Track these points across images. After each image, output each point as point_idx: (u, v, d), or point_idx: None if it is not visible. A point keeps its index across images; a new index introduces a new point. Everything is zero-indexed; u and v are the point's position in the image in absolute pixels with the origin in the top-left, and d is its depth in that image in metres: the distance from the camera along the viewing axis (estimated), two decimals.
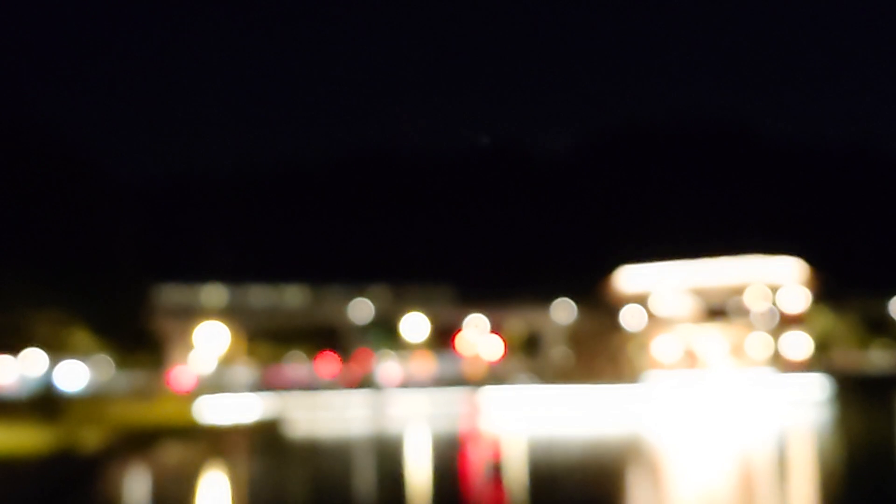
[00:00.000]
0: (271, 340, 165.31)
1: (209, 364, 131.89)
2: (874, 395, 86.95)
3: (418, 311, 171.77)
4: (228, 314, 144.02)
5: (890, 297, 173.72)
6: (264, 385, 71.59)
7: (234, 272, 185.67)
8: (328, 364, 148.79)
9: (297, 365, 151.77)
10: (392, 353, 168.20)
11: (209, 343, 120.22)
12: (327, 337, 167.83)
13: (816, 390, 78.64)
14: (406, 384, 76.08)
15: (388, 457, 43.38)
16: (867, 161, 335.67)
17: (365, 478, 36.57)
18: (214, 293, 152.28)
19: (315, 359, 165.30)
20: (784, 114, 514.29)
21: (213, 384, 69.61)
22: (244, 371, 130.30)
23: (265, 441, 49.55)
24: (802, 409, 67.39)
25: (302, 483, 34.65)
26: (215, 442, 47.68)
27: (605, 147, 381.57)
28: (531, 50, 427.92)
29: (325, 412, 65.54)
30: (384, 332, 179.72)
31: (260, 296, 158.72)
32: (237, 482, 32.53)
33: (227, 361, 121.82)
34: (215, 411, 61.24)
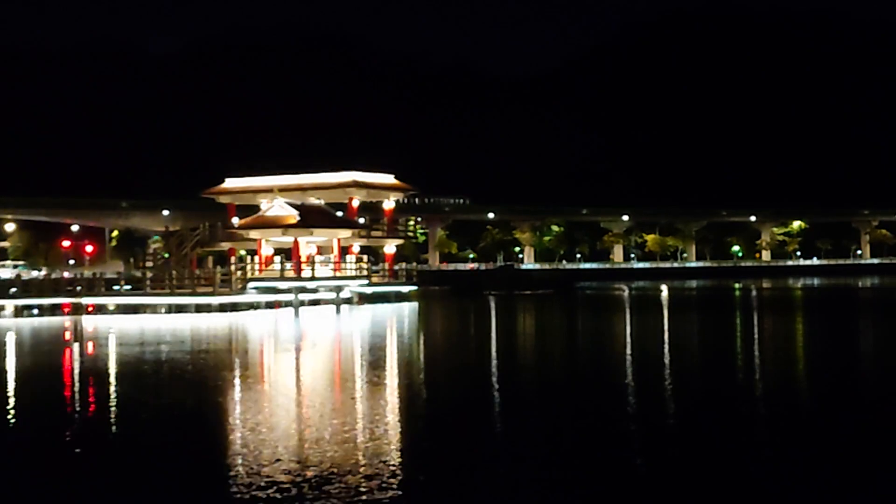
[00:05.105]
0: None
1: None
2: (456, 295, 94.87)
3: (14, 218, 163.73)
4: None
5: (476, 210, 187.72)
6: None
7: None
8: None
9: None
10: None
11: None
12: None
13: (406, 291, 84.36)
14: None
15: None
16: (465, 79, 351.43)
17: None
18: None
19: None
20: (393, 30, 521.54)
21: None
22: None
23: None
24: (391, 307, 72.59)
25: None
26: None
27: (214, 54, 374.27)
28: None
29: None
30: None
31: None
32: None
33: None
34: None
